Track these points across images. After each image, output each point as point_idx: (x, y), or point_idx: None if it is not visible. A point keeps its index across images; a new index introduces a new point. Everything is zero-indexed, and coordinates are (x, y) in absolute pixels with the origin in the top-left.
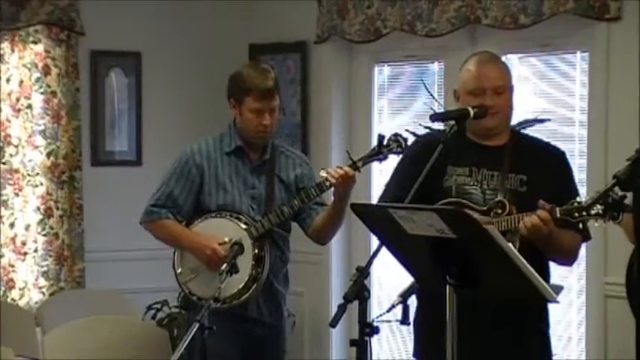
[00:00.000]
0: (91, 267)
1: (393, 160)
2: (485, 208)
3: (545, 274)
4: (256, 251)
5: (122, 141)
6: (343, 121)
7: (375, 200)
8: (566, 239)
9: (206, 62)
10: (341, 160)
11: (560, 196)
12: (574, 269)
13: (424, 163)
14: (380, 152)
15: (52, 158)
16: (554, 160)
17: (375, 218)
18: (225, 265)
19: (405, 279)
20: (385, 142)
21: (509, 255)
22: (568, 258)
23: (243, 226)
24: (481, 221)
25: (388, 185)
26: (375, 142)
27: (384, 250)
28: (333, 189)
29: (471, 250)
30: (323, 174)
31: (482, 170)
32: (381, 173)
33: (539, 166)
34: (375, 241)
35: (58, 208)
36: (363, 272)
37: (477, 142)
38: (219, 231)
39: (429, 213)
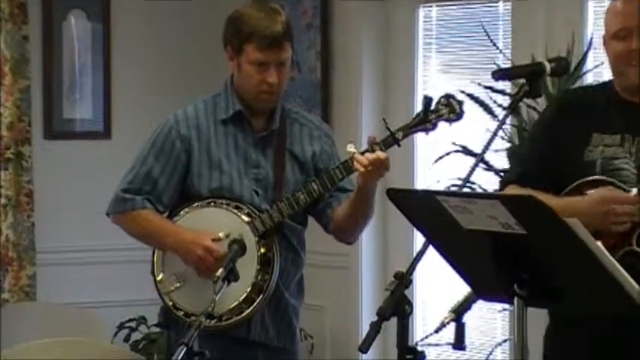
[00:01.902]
0: (44, 272)
1: (444, 131)
2: (637, 189)
3: None
4: (262, 251)
5: (85, 106)
6: (377, 80)
7: (420, 183)
8: None
9: (196, 3)
10: (374, 131)
11: None
12: None
13: (563, 132)
14: (426, 120)
15: None
16: None
17: (420, 208)
18: (220, 270)
19: (460, 289)
20: (433, 107)
21: (598, 258)
22: None
23: (245, 219)
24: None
25: (514, 162)
26: (419, 107)
27: (431, 250)
28: (358, 178)
29: (546, 251)
30: (351, 149)
31: (639, 139)
32: (428, 146)
33: None
34: (419, 239)
35: (0, 195)
36: (404, 280)
37: (633, 102)
38: (212, 224)
39: (492, 201)
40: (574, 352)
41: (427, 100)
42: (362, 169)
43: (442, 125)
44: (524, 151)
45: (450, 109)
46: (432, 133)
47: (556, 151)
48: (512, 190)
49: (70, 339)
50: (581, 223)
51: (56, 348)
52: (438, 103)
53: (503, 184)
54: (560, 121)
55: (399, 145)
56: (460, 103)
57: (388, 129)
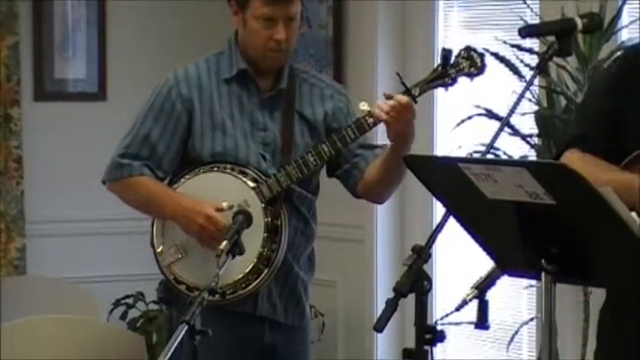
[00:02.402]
0: (34, 245)
1: (466, 92)
2: None
3: None
4: (269, 219)
5: (78, 65)
6: (394, 37)
7: (440, 149)
8: None
9: None
10: (390, 90)
11: None
12: None
13: (628, 93)
14: (445, 74)
15: None
16: None
17: (440, 176)
18: (224, 243)
19: (483, 264)
20: (453, 60)
21: (632, 230)
22: None
23: (251, 184)
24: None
25: (574, 121)
26: (438, 61)
27: (452, 222)
28: (386, 131)
29: (577, 223)
30: (364, 107)
31: None
32: (449, 110)
33: None
34: (439, 209)
35: None
36: (422, 254)
37: None
38: (216, 191)
39: (518, 169)
40: (629, 333)
41: (446, 53)
42: (384, 115)
43: (463, 81)
44: (585, 111)
45: (470, 62)
46: (453, 95)
47: (619, 114)
48: (572, 154)
49: (63, 316)
50: (617, 192)
51: (47, 326)
52: (458, 56)
53: (562, 146)
54: (623, 82)
55: (415, 102)
56: (482, 55)
57: (403, 84)
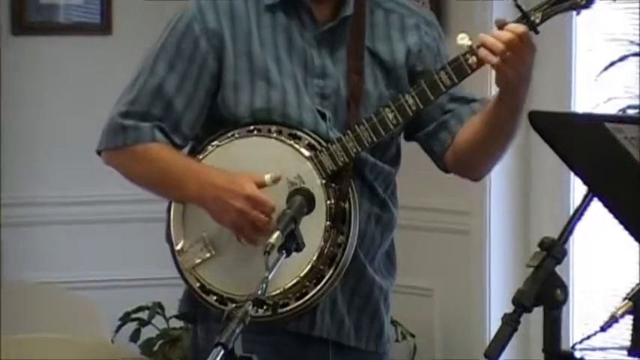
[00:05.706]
0: (12, 236)
1: (603, 9)
2: None
3: None
4: (332, 202)
5: None
6: None
7: (579, 104)
8: None
9: None
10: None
11: None
12: None
13: None
14: None
15: None
16: None
17: (579, 141)
18: (276, 234)
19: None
20: None
21: None
22: None
23: (306, 153)
24: None
25: None
26: None
27: (595, 205)
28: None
29: None
30: (463, 41)
31: None
32: (591, 50)
33: None
34: (578, 188)
35: None
36: (555, 251)
37: None
38: (257, 163)
39: None
40: None
41: None
42: (494, 59)
43: (602, 5)
44: None
45: None
46: (596, 29)
47: None
48: None
49: (50, 336)
50: None
51: (27, 349)
52: None
53: None
54: None
55: (536, 32)
56: None
57: (519, 7)
